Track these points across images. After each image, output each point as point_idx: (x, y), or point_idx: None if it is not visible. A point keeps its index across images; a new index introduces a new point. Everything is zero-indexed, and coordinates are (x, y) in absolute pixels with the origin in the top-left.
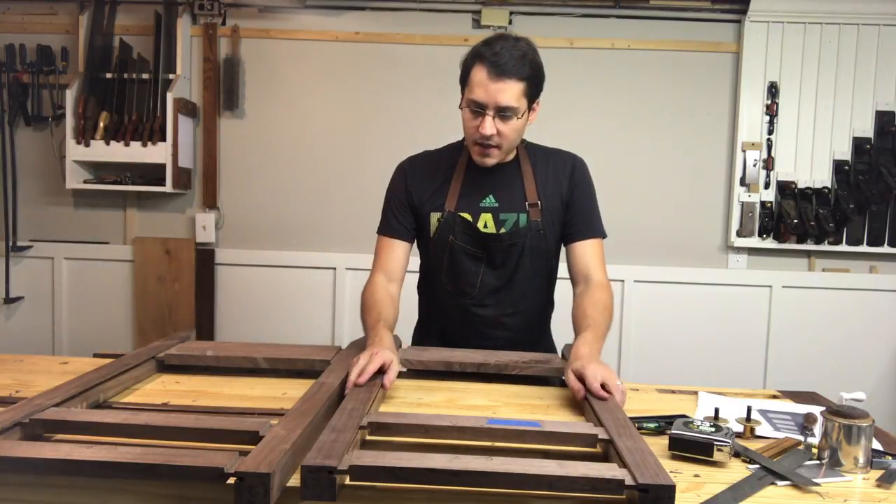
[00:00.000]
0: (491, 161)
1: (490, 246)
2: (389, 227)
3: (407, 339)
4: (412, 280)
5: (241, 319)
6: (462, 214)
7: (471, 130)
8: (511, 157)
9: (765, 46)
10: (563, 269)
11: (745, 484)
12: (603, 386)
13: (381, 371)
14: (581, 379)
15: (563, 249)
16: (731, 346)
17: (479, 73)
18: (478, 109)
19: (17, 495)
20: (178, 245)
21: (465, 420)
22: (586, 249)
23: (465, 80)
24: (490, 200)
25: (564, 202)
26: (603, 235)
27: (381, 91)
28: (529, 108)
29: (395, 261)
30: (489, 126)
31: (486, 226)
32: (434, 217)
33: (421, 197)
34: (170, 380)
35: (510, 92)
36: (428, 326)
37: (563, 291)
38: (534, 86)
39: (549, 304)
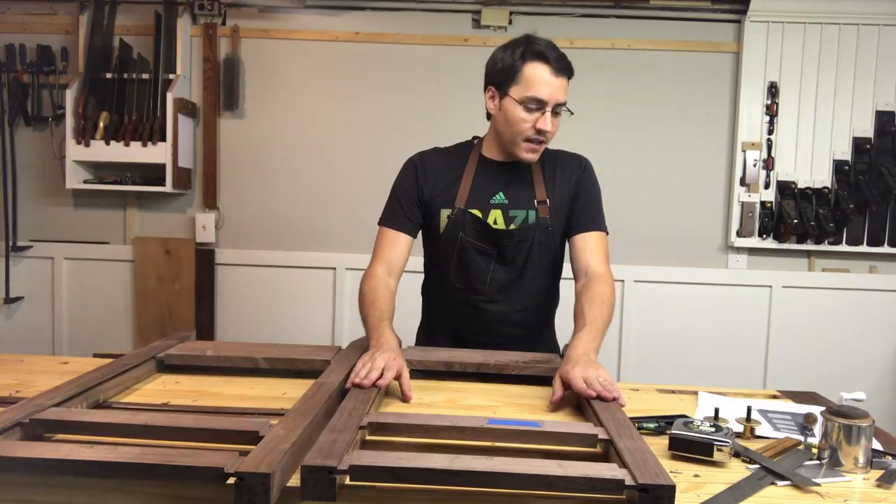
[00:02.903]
0: (537, 157)
1: (501, 242)
2: (396, 219)
3: (409, 339)
4: (411, 279)
5: (241, 319)
6: (472, 211)
7: (524, 127)
8: None
9: (765, 46)
10: (566, 270)
11: (745, 484)
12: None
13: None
14: (566, 385)
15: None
16: (731, 346)
17: (541, 71)
18: (537, 107)
19: (17, 495)
20: (178, 245)
21: (465, 420)
22: (587, 241)
23: (515, 78)
24: (500, 197)
25: (571, 199)
26: (605, 230)
27: (381, 91)
28: None
29: (397, 254)
30: (549, 122)
31: (495, 222)
32: (444, 213)
33: (431, 192)
34: (170, 380)
35: (566, 89)
36: (436, 325)
37: (564, 289)
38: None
39: (554, 300)
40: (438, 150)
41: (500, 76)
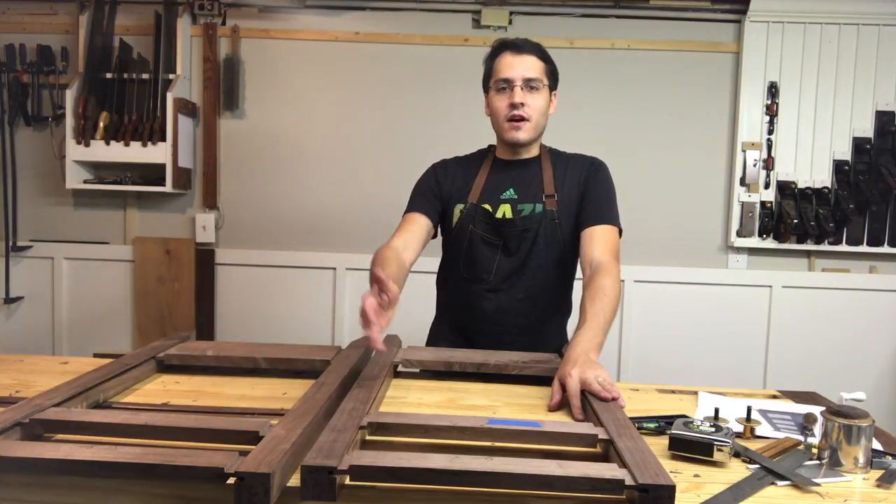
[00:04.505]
0: (523, 135)
1: (505, 231)
2: (416, 205)
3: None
4: (418, 280)
5: (241, 319)
6: (483, 205)
7: (501, 108)
8: (533, 154)
9: (765, 46)
10: (580, 273)
11: (745, 484)
12: (584, 389)
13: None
14: (563, 388)
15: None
16: (731, 346)
17: (504, 57)
18: (505, 85)
19: (17, 495)
20: (178, 245)
21: (465, 420)
22: (594, 234)
23: (489, 73)
24: (510, 193)
25: (580, 196)
26: (617, 226)
27: (381, 91)
28: (550, 93)
29: (414, 231)
30: (518, 94)
31: (504, 215)
32: (457, 209)
33: (449, 190)
34: (170, 380)
35: (533, 65)
36: (445, 318)
37: (576, 293)
38: (552, 71)
39: (563, 304)
40: (456, 158)
41: (484, 81)
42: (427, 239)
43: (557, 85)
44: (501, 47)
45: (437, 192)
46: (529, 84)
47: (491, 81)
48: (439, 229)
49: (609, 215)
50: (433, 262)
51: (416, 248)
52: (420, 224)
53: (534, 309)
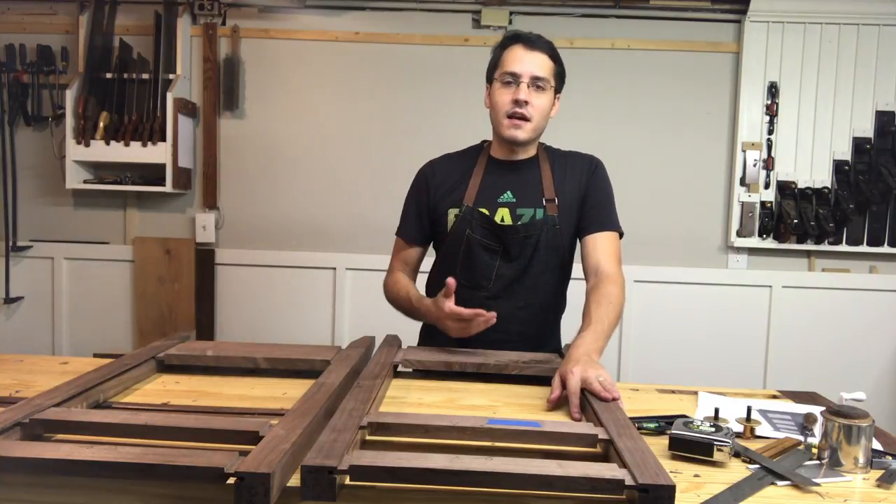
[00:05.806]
0: (522, 135)
1: (506, 238)
2: (409, 232)
3: (411, 338)
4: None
5: (241, 319)
6: (480, 209)
7: (503, 103)
8: (530, 154)
9: (765, 46)
10: (577, 271)
11: (745, 484)
12: (584, 388)
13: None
14: (564, 384)
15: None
16: (731, 346)
17: (515, 50)
18: (511, 80)
19: (17, 495)
20: (178, 245)
21: (465, 420)
22: (597, 242)
23: (495, 64)
24: (508, 196)
25: (581, 199)
26: (618, 230)
27: (381, 91)
28: (555, 96)
29: (411, 262)
30: (524, 91)
31: (503, 220)
32: (452, 213)
33: (440, 196)
34: (170, 380)
35: (544, 63)
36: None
37: (574, 292)
38: (560, 73)
39: (560, 303)
40: (447, 156)
41: (488, 71)
42: (422, 260)
43: (563, 88)
44: (513, 39)
45: (427, 206)
46: (537, 83)
47: (496, 73)
48: (433, 235)
49: (611, 220)
50: (429, 261)
51: (416, 272)
52: (412, 253)
53: (534, 315)
